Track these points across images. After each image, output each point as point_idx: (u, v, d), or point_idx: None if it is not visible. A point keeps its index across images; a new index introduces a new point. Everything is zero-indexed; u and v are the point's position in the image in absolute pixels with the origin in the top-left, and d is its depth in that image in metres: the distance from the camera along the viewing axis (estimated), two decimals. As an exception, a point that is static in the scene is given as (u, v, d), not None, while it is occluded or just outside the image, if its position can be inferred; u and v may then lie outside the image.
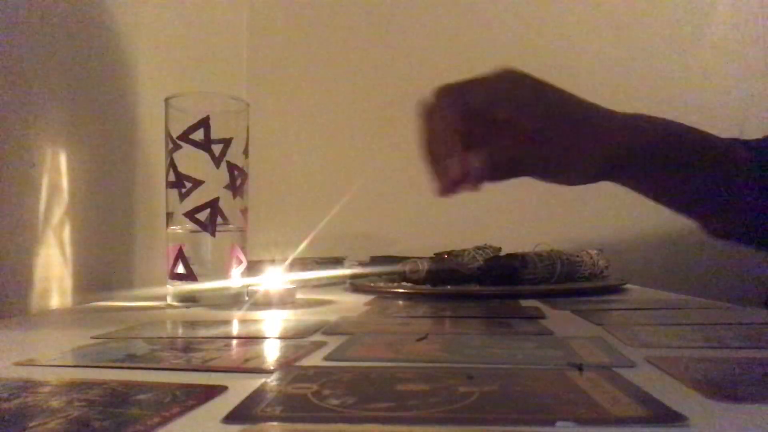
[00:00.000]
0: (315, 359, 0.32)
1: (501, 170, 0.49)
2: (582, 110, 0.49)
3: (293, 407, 0.22)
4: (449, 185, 0.49)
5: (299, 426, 0.21)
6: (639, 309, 0.54)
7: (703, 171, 0.55)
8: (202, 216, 0.58)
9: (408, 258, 0.74)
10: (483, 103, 0.46)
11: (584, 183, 0.51)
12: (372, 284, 0.71)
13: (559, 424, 0.20)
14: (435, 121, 0.48)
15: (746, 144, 0.59)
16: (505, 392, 0.24)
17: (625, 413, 0.21)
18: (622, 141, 0.49)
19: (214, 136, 0.59)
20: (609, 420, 0.20)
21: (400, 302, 0.61)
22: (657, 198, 0.58)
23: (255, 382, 0.26)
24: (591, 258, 0.73)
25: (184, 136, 0.58)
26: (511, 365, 0.29)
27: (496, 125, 0.47)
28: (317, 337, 0.38)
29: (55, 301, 0.59)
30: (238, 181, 0.60)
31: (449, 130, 0.47)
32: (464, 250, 0.75)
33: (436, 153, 0.49)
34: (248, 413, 0.22)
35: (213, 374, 0.29)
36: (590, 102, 0.51)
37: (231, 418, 0.21)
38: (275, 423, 0.21)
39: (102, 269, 0.69)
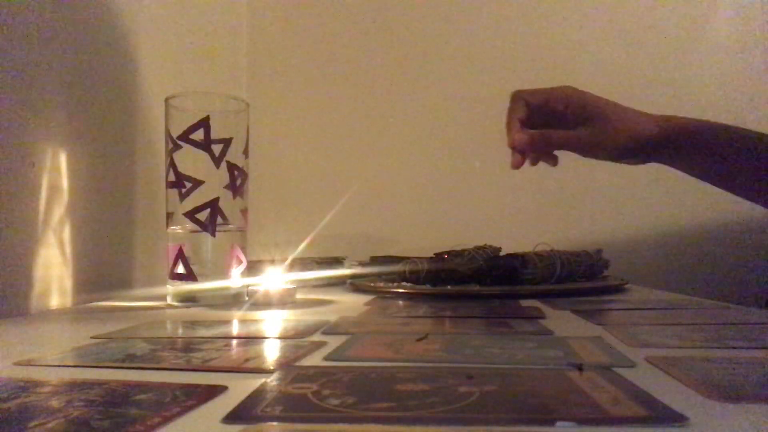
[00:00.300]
0: (315, 359, 0.32)
1: (556, 141, 0.65)
2: (612, 107, 0.65)
3: (293, 407, 0.22)
4: (519, 152, 0.65)
5: (299, 426, 0.21)
6: (639, 309, 0.54)
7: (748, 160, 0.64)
8: (202, 216, 0.58)
9: (408, 258, 0.74)
10: (541, 100, 0.65)
11: (623, 160, 0.65)
12: (372, 284, 0.71)
13: (559, 424, 0.20)
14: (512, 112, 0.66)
15: None
16: (504, 392, 0.24)
17: (625, 413, 0.21)
18: (653, 129, 0.63)
19: (214, 136, 0.59)
20: (609, 420, 0.20)
21: (400, 302, 0.61)
22: (712, 181, 0.68)
23: (255, 382, 0.26)
24: (591, 258, 0.73)
25: (184, 136, 0.58)
26: (511, 365, 0.29)
27: (552, 116, 0.65)
28: (317, 337, 0.38)
29: (55, 301, 0.59)
30: (238, 181, 0.60)
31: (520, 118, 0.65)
32: (464, 250, 0.75)
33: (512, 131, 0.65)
34: (248, 413, 0.22)
35: (213, 374, 0.29)
36: (625, 107, 0.66)
37: (231, 418, 0.21)
38: (275, 423, 0.21)
39: (102, 269, 0.69)
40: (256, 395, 0.24)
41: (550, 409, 0.22)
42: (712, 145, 0.64)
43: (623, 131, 0.62)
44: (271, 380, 0.26)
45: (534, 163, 0.67)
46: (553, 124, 0.65)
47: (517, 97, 0.65)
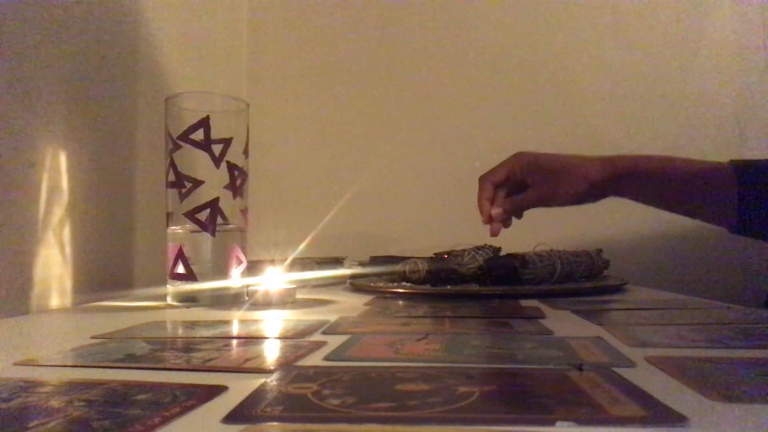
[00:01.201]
0: (315, 359, 0.32)
1: (524, 204, 0.77)
2: (561, 162, 0.75)
3: (293, 407, 0.22)
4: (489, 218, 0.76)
5: (299, 426, 0.21)
6: (639, 309, 0.54)
7: (691, 192, 0.72)
8: (202, 216, 0.58)
9: (408, 258, 0.74)
10: (502, 176, 0.76)
11: (582, 202, 0.76)
12: (372, 284, 0.71)
13: (558, 424, 0.20)
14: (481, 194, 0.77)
15: (734, 167, 0.69)
16: (504, 392, 0.24)
17: (625, 413, 0.21)
18: (599, 173, 0.73)
19: (214, 136, 0.59)
20: (609, 420, 0.20)
21: (400, 302, 0.61)
22: (666, 208, 0.76)
23: (255, 382, 0.26)
24: (591, 258, 0.73)
25: (184, 136, 0.58)
26: (511, 365, 0.29)
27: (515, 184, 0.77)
28: (317, 337, 0.38)
29: (55, 301, 0.59)
30: (238, 181, 0.60)
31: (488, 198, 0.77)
32: (464, 250, 0.75)
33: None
34: (248, 413, 0.22)
35: (213, 374, 0.29)
36: (572, 155, 0.76)
37: (231, 418, 0.21)
38: (275, 423, 0.21)
39: (102, 269, 0.69)
40: (256, 395, 0.24)
41: (549, 409, 0.22)
42: (653, 178, 0.73)
43: (575, 179, 0.73)
44: (271, 380, 0.26)
45: (507, 225, 0.77)
46: (518, 189, 0.76)
47: (483, 180, 0.77)
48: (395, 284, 0.71)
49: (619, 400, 0.22)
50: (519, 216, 0.79)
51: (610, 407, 0.21)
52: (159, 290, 0.61)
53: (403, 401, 0.23)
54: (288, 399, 0.23)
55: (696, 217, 0.75)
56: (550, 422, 0.20)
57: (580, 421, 0.20)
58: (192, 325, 0.46)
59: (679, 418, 0.20)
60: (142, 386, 0.26)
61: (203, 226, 0.58)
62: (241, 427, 0.20)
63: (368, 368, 0.29)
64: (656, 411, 0.21)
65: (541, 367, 0.29)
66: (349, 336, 0.38)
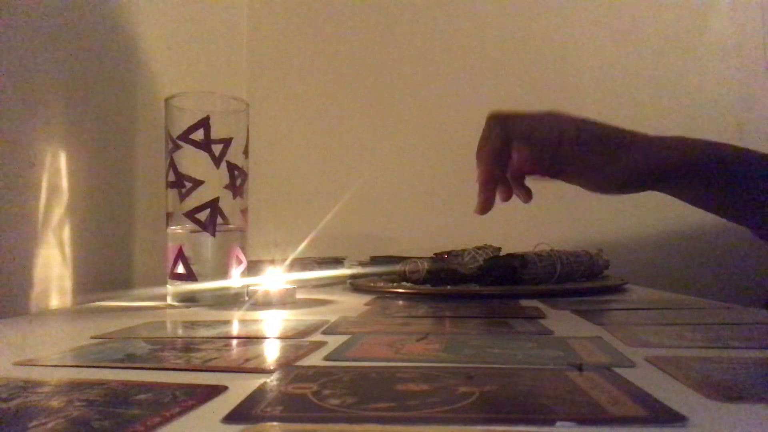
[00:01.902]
0: (315, 359, 0.32)
1: (544, 166, 0.56)
2: (614, 134, 0.57)
3: (293, 407, 0.22)
4: (488, 192, 0.57)
5: (299, 426, 0.20)
6: (639, 309, 0.54)
7: (743, 183, 0.57)
8: (202, 216, 0.58)
9: (408, 258, 0.74)
10: (527, 128, 0.55)
11: (619, 192, 0.59)
12: (372, 284, 0.71)
13: (559, 424, 0.20)
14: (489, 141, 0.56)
15: None
16: (505, 392, 0.24)
17: (625, 413, 0.21)
18: (654, 159, 0.56)
19: (214, 136, 0.59)
20: (609, 420, 0.20)
21: (400, 302, 0.61)
22: (705, 208, 0.63)
23: (255, 382, 0.26)
24: (591, 258, 0.73)
25: (184, 136, 0.58)
26: (511, 365, 0.29)
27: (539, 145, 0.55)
28: (317, 337, 0.38)
29: (55, 301, 0.59)
30: (238, 181, 0.60)
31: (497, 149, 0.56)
32: (464, 250, 0.75)
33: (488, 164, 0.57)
34: (248, 413, 0.22)
35: (213, 374, 0.29)
36: (622, 129, 0.58)
37: (231, 418, 0.21)
38: (275, 423, 0.21)
39: (102, 269, 0.69)
40: (256, 395, 0.24)
41: (550, 409, 0.22)
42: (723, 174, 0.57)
43: (629, 162, 0.56)
44: (271, 380, 0.26)
45: (506, 197, 0.58)
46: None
47: (494, 123, 0.56)
48: (395, 284, 0.71)
49: (619, 400, 0.22)
50: (522, 193, 0.59)
51: (610, 407, 0.21)
52: (159, 290, 0.61)
53: (404, 401, 0.23)
54: (288, 399, 0.23)
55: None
56: (551, 422, 0.20)
57: (580, 421, 0.20)
58: (192, 325, 0.46)
59: (679, 418, 0.20)
60: (142, 386, 0.26)
61: (203, 226, 0.58)
62: (241, 427, 0.20)
63: (368, 368, 0.29)
64: (656, 411, 0.21)
65: (541, 367, 0.29)
66: (349, 336, 0.38)
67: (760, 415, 0.21)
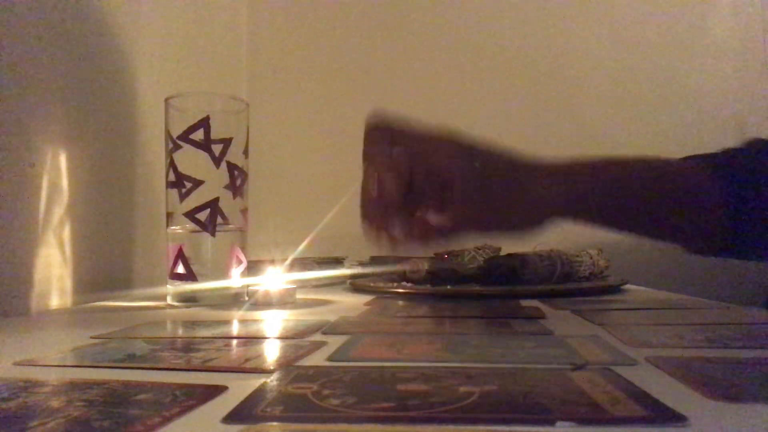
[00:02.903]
0: (315, 359, 0.32)
1: (447, 229, 0.50)
2: (513, 169, 0.52)
3: (293, 407, 0.22)
4: (398, 241, 0.49)
5: (299, 426, 0.20)
6: (639, 309, 0.54)
7: (662, 195, 0.56)
8: (202, 216, 0.58)
9: (408, 258, 0.74)
10: (423, 169, 0.47)
11: (530, 230, 0.54)
12: (372, 284, 0.71)
13: (558, 424, 0.20)
14: (374, 167, 0.48)
15: (703, 158, 0.59)
16: (504, 392, 0.24)
17: (625, 413, 0.21)
18: (560, 189, 0.52)
19: (214, 136, 0.59)
20: (608, 420, 0.20)
21: (400, 302, 0.61)
22: (629, 230, 0.61)
23: (255, 382, 0.26)
24: (591, 258, 0.73)
25: (184, 136, 0.58)
26: (511, 365, 0.29)
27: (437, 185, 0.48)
28: (317, 337, 0.38)
29: (55, 301, 0.59)
30: (238, 181, 0.60)
31: (391, 184, 0.47)
32: (464, 250, 0.75)
33: (376, 207, 0.48)
34: (248, 413, 0.22)
35: (213, 374, 0.29)
36: (522, 160, 0.53)
37: (231, 418, 0.21)
38: (275, 423, 0.21)
39: (102, 269, 0.69)
40: (256, 395, 0.24)
41: (549, 409, 0.22)
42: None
43: (534, 197, 0.53)
44: (271, 380, 0.26)
45: None
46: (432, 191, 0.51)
47: (384, 138, 0.51)
48: (395, 284, 0.71)
49: (620, 400, 0.22)
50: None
51: (610, 407, 0.21)
52: (159, 290, 0.61)
53: (404, 401, 0.23)
54: (288, 399, 0.23)
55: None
56: (550, 422, 0.20)
57: (580, 421, 0.20)
58: (192, 325, 0.46)
59: (679, 419, 0.20)
60: (142, 386, 0.26)
61: (203, 226, 0.58)
62: (241, 427, 0.20)
63: (368, 368, 0.29)
64: (656, 411, 0.21)
65: (541, 366, 0.29)
66: (349, 336, 0.38)
67: (760, 415, 0.21)
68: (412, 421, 0.21)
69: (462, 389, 0.24)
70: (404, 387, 0.25)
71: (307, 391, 0.24)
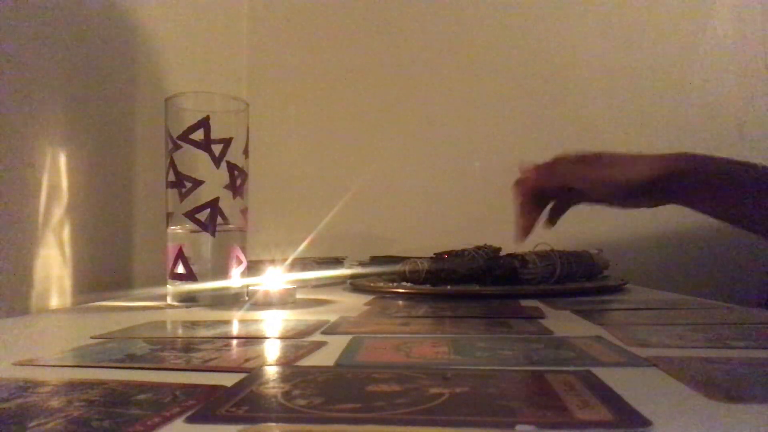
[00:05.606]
0: (315, 359, 0.32)
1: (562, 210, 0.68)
2: (613, 160, 0.62)
3: (258, 408, 0.22)
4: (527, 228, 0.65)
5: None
6: (639, 309, 0.54)
7: (747, 196, 0.60)
8: (202, 216, 0.58)
9: (408, 258, 0.74)
10: (559, 181, 0.64)
11: (631, 206, 0.65)
12: (372, 284, 0.71)
13: (518, 427, 0.19)
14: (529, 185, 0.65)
15: None
16: (474, 394, 0.24)
17: (591, 417, 0.20)
18: (649, 175, 0.59)
19: (214, 136, 0.59)
20: (572, 424, 0.20)
21: (400, 302, 0.61)
22: (724, 219, 0.65)
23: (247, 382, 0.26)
24: (591, 258, 0.73)
25: (184, 136, 0.58)
26: (515, 365, 0.29)
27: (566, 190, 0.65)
28: (317, 337, 0.38)
29: (54, 301, 0.59)
30: (238, 181, 0.60)
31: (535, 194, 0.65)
32: (464, 250, 0.75)
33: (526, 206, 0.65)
34: (212, 414, 0.21)
35: (213, 374, 0.29)
36: (620, 153, 0.63)
37: (192, 419, 0.21)
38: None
39: (102, 269, 0.69)
40: (226, 396, 0.24)
41: (514, 411, 0.21)
42: (717, 183, 0.60)
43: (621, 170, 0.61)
44: (245, 381, 0.26)
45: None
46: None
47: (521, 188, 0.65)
48: (395, 284, 0.71)
49: (589, 403, 0.22)
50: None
51: (577, 411, 0.21)
52: (159, 290, 0.61)
53: (404, 401, 0.23)
54: (256, 399, 0.23)
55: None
56: (510, 425, 0.20)
57: (541, 425, 0.20)
58: (192, 325, 0.46)
59: (644, 422, 0.20)
60: (142, 386, 0.26)
61: (203, 226, 0.58)
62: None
63: (369, 368, 0.29)
64: (623, 415, 0.21)
65: (540, 368, 0.29)
66: (350, 336, 0.38)
67: (760, 415, 0.21)
68: (413, 421, 0.20)
69: (432, 390, 0.24)
70: (374, 388, 0.25)
71: (278, 392, 0.24)
